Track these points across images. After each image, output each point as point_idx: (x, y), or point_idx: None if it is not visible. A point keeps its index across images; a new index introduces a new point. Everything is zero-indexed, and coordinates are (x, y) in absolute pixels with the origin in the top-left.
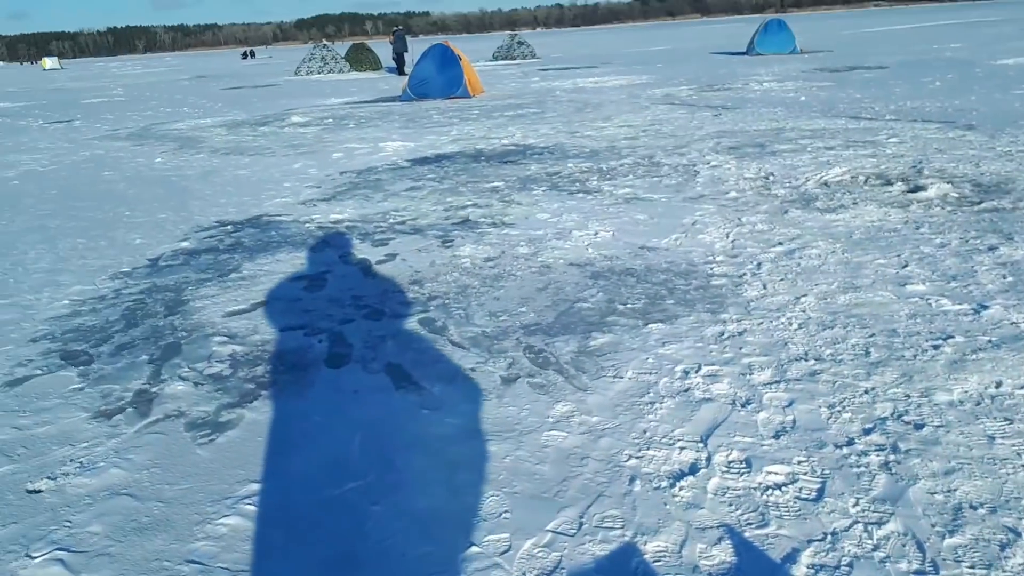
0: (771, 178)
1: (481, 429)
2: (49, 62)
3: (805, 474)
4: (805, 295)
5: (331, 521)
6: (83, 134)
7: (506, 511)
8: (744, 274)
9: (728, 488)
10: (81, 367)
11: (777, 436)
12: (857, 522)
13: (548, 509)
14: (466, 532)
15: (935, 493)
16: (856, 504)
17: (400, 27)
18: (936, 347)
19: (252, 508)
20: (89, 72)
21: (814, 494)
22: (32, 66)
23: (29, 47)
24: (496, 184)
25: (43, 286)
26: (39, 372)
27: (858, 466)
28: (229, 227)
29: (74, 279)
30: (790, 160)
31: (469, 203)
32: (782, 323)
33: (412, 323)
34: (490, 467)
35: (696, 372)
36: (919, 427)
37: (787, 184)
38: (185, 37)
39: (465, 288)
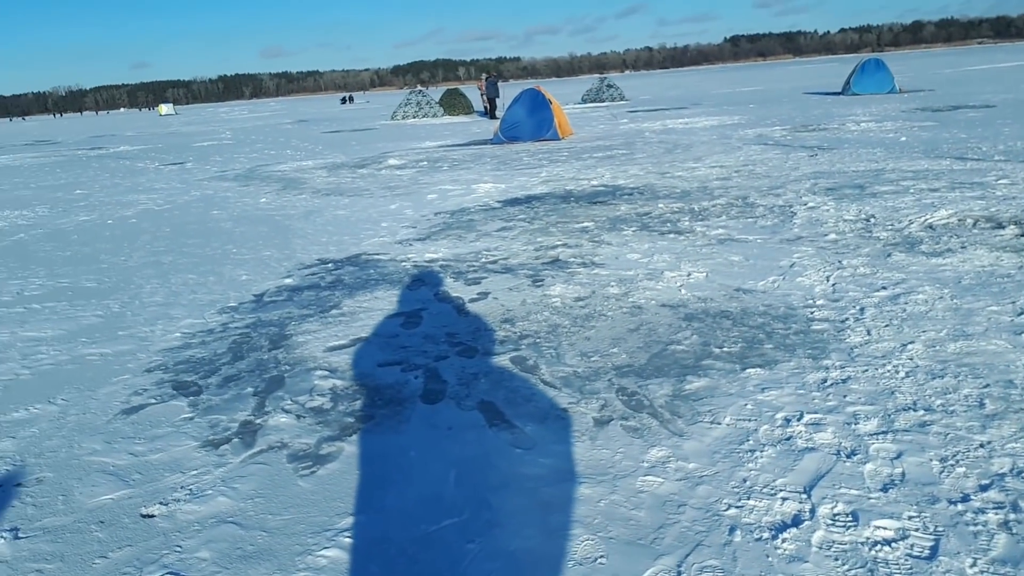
0: (872, 220)
1: (574, 471)
2: (165, 108)
3: (917, 530)
4: (912, 342)
5: (428, 557)
6: (194, 175)
7: (602, 556)
8: (846, 319)
9: (834, 542)
10: (191, 397)
11: (885, 489)
12: None
13: (645, 556)
14: None
15: None
16: (974, 565)
17: (493, 74)
18: None
19: (351, 541)
20: (200, 117)
21: (927, 552)
22: (150, 112)
23: (147, 94)
24: (586, 224)
25: (157, 319)
26: (153, 401)
27: (975, 524)
28: (330, 265)
29: (185, 312)
30: (892, 202)
31: (559, 243)
32: (888, 371)
33: (504, 361)
34: (584, 510)
35: (798, 420)
36: None
37: (889, 226)
38: (288, 83)
39: (556, 327)
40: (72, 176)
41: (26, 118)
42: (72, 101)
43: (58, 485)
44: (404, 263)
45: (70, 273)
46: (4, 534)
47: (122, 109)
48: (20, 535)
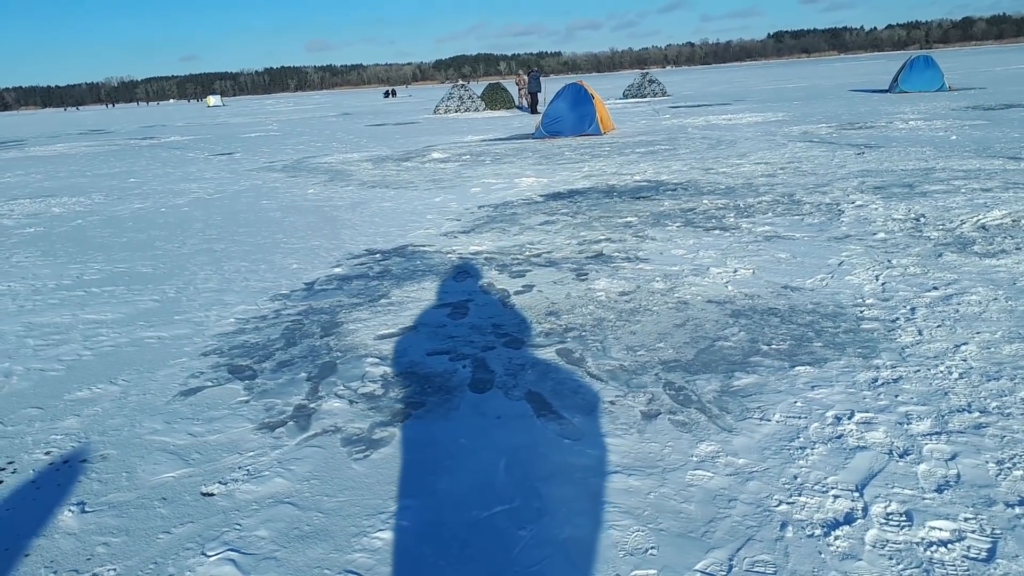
0: (922, 219)
1: (623, 463)
2: (213, 99)
3: (973, 532)
4: (965, 343)
5: (480, 542)
6: (243, 165)
7: (652, 547)
8: (897, 319)
9: (888, 541)
10: (246, 381)
11: (940, 490)
12: None
13: (696, 549)
14: (612, 565)
15: None
16: None
17: (535, 69)
18: None
19: (405, 524)
20: (247, 109)
21: (984, 554)
22: (198, 103)
23: (196, 86)
24: (629, 219)
25: (212, 304)
26: (209, 384)
27: None
28: (377, 255)
29: (238, 299)
30: (942, 201)
31: (602, 237)
32: (941, 372)
33: (550, 353)
34: (634, 502)
35: (849, 419)
36: None
37: (940, 226)
38: (333, 77)
39: (601, 321)
40: (125, 165)
41: (80, 108)
42: (124, 92)
43: (122, 462)
44: (449, 255)
45: (127, 259)
46: (72, 508)
47: (171, 100)
48: (87, 509)
